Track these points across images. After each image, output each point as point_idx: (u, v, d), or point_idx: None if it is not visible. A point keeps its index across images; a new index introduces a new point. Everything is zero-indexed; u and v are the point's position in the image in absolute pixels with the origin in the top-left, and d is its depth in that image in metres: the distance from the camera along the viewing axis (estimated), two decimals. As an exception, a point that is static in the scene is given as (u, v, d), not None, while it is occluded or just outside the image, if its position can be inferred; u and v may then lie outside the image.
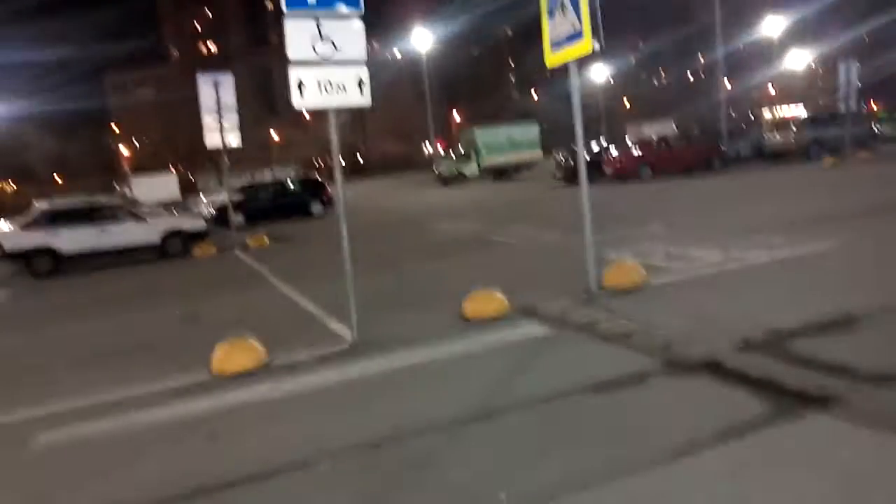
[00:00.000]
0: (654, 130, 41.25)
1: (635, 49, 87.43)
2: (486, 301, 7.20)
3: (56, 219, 15.39)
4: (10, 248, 14.98)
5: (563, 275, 8.39)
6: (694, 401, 4.45)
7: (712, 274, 8.00)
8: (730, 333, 5.44)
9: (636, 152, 26.44)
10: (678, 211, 14.95)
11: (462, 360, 5.89)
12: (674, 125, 44.89)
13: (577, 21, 6.83)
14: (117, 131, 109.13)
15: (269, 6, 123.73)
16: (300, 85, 6.26)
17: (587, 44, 6.75)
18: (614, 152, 26.97)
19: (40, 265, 14.96)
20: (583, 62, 7.45)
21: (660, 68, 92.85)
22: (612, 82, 79.65)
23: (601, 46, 6.74)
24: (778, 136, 27.74)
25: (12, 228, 15.61)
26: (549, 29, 7.33)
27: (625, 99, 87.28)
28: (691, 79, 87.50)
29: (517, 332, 6.49)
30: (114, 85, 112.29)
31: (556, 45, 7.26)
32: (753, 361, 4.85)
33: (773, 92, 69.90)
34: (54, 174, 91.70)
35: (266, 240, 17.36)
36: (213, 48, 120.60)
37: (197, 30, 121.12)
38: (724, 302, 6.66)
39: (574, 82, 7.32)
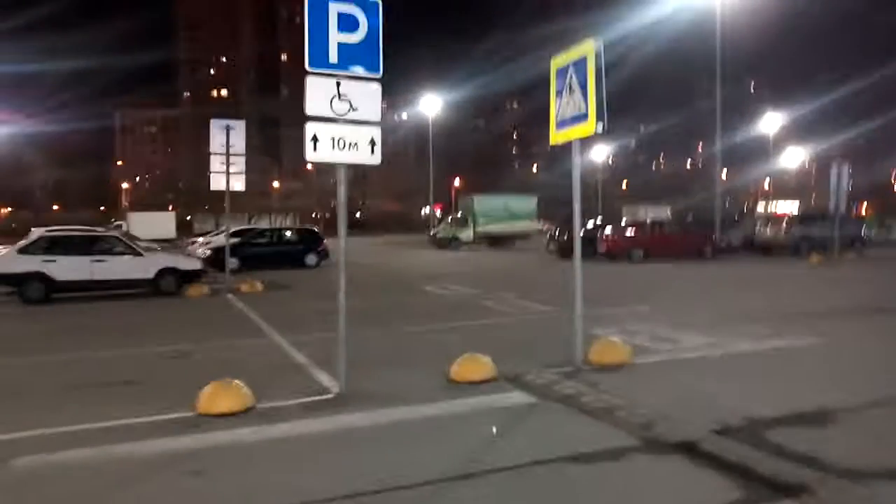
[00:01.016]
0: (648, 214, 42.01)
1: (636, 132, 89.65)
2: (474, 365, 7.31)
3: (52, 246, 15.49)
4: (4, 271, 15.02)
5: (550, 346, 8.53)
6: (669, 481, 4.56)
7: (695, 358, 8.17)
8: (708, 417, 5.57)
9: (630, 233, 26.87)
10: (666, 294, 15.19)
11: (446, 421, 5.97)
12: (668, 211, 45.69)
13: (583, 103, 7.17)
14: (120, 164, 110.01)
15: (284, 58, 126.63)
16: (314, 139, 6.52)
17: (591, 125, 7.07)
18: (608, 231, 27.39)
19: (32, 291, 14.98)
20: (585, 141, 7.77)
21: (659, 153, 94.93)
22: (611, 163, 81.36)
23: (604, 129, 7.07)
24: (769, 231, 28.35)
25: (6, 252, 15.67)
26: (556, 108, 7.68)
27: (622, 180, 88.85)
28: (689, 166, 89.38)
29: (502, 398, 6.59)
30: (122, 117, 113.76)
31: (562, 123, 7.59)
32: (730, 446, 4.96)
33: (767, 187, 71.37)
34: (52, 201, 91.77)
35: (259, 286, 17.45)
36: (224, 93, 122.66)
37: (210, 75, 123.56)
38: (705, 386, 6.80)
39: (576, 161, 7.62)
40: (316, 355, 8.43)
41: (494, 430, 4.95)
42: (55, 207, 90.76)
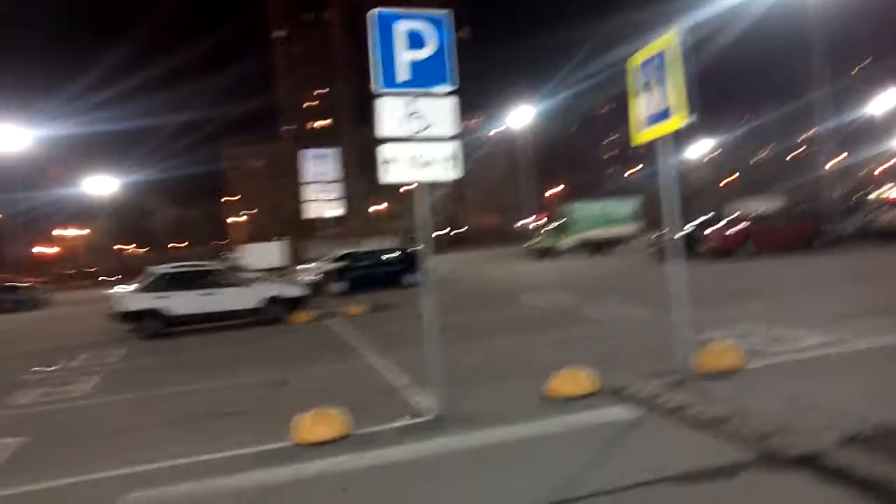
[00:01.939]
0: (756, 206, 39.92)
1: (740, 122, 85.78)
2: (573, 379, 7.01)
3: (167, 284, 16.31)
4: (122, 309, 15.95)
5: (655, 355, 8.09)
6: (790, 500, 4.13)
7: (815, 358, 7.52)
8: (833, 426, 5.05)
9: (736, 228, 25.55)
10: (779, 290, 14.25)
11: (544, 441, 5.72)
12: (777, 202, 43.30)
13: (666, 98, 6.76)
14: (231, 200, 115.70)
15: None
16: (389, 160, 6.45)
17: (677, 120, 6.65)
18: (713, 228, 26.16)
19: (150, 327, 15.81)
20: (683, 136, 7.33)
21: (765, 144, 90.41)
22: (713, 156, 78.17)
23: (692, 122, 6.64)
24: (886, 216, 26.25)
25: (127, 291, 16.62)
26: (637, 108, 7.30)
27: (727, 174, 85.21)
28: (796, 155, 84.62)
29: (602, 413, 6.27)
30: (230, 157, 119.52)
31: (645, 122, 7.20)
32: (859, 459, 4.46)
33: (881, 171, 66.48)
34: (174, 239, 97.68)
35: (362, 308, 17.69)
36: (323, 124, 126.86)
37: (308, 107, 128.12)
38: (827, 390, 6.21)
39: (664, 159, 7.22)
40: (414, 376, 8.34)
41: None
42: (175, 244, 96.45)
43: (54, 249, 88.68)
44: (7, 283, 37.61)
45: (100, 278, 66.41)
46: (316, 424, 6.21)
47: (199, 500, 5.09)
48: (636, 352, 9.00)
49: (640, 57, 7.15)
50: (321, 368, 10.29)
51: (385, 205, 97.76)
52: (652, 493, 4.43)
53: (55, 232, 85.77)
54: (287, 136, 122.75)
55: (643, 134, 7.21)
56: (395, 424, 6.45)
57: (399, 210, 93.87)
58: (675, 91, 6.58)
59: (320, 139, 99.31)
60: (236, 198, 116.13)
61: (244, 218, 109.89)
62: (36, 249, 77.86)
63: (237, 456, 5.97)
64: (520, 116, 56.66)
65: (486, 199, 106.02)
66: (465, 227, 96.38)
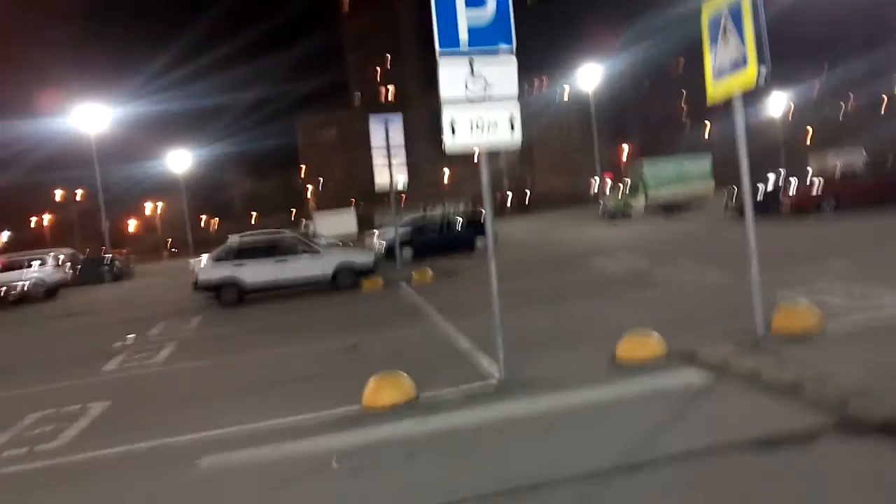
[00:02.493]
0: (839, 160, 37.94)
1: (821, 73, 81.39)
2: (642, 343, 6.87)
3: (241, 253, 16.78)
4: (202, 280, 16.52)
5: (729, 317, 7.83)
6: (874, 469, 3.93)
7: (900, 320, 7.12)
8: (920, 391, 4.78)
9: (818, 185, 24.39)
10: (864, 248, 13.55)
11: (612, 407, 5.63)
12: (862, 155, 41.04)
13: (741, 48, 6.42)
14: (304, 170, 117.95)
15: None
16: (452, 124, 6.37)
17: (752, 74, 6.31)
18: (794, 185, 25.05)
19: (227, 296, 16.35)
20: (757, 92, 6.95)
21: (848, 93, 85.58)
22: (793, 109, 74.58)
23: (768, 74, 6.29)
24: None
25: (206, 262, 17.21)
26: (712, 60, 6.96)
27: (808, 127, 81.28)
28: (882, 106, 79.75)
29: (673, 378, 6.12)
30: (302, 128, 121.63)
31: (720, 74, 6.85)
32: (947, 425, 4.22)
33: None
34: (249, 211, 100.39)
35: (430, 274, 17.79)
36: (392, 91, 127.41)
37: (378, 74, 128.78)
38: (914, 353, 5.87)
39: (739, 115, 6.88)
40: (481, 341, 8.32)
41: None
42: (252, 215, 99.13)
43: (135, 223, 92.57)
44: (93, 257, 39.56)
45: (176, 249, 68.95)
46: (383, 389, 6.29)
47: (271, 464, 5.23)
48: (710, 315, 8.73)
49: (714, 4, 6.80)
50: (390, 334, 10.42)
51: (447, 171, 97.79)
52: (727, 457, 4.29)
53: (136, 206, 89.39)
54: (358, 106, 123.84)
55: (717, 87, 6.88)
56: (462, 389, 6.47)
57: (466, 175, 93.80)
58: (749, 40, 6.24)
59: (390, 107, 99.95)
60: (309, 168, 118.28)
61: (317, 188, 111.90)
62: (118, 223, 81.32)
63: (307, 420, 6.11)
64: (588, 75, 55.30)
65: (556, 162, 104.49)
66: (535, 190, 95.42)
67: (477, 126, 6.41)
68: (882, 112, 76.11)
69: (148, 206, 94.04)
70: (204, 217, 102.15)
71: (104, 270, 36.77)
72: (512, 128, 6.49)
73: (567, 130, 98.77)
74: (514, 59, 6.49)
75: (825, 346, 6.37)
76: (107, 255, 41.49)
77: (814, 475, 3.95)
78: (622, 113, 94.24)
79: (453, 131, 6.37)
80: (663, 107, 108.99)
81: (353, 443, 5.41)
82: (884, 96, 78.10)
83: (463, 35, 6.28)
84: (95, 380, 9.49)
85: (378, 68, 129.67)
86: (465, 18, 6.27)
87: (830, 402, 4.90)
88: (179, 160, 69.35)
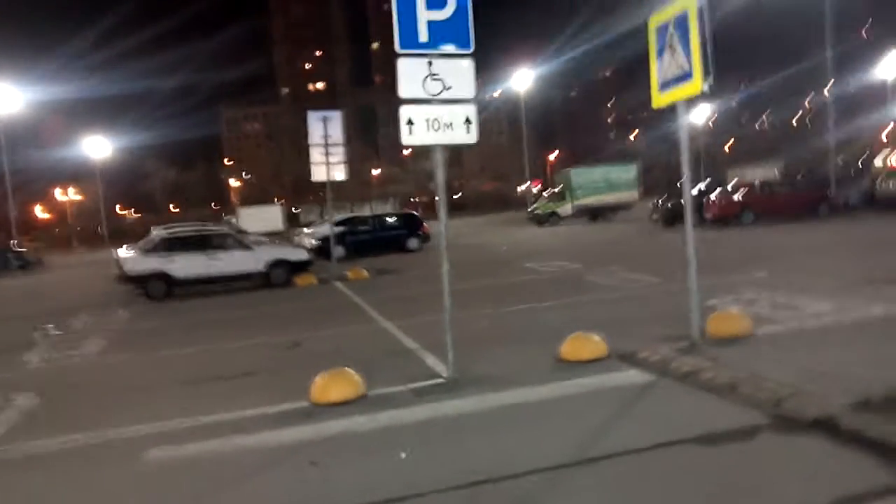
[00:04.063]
0: (757, 174, 39.85)
1: (738, 89, 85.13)
2: (584, 344, 7.09)
3: (170, 246, 16.31)
4: (130, 271, 15.96)
5: (662, 320, 8.18)
6: (808, 463, 4.22)
7: (823, 325, 7.60)
8: (846, 390, 5.11)
9: (738, 196, 25.58)
10: (783, 258, 14.33)
11: (558, 403, 5.82)
12: (778, 169, 43.21)
13: (686, 61, 6.72)
14: (228, 163, 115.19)
15: (375, 47, 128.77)
16: (409, 122, 6.43)
17: (697, 84, 6.62)
18: (715, 195, 26.18)
19: (155, 289, 15.84)
20: (686, 102, 7.30)
21: (764, 111, 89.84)
22: (713, 124, 77.69)
23: (711, 87, 6.62)
24: (891, 185, 26.23)
25: (132, 254, 16.64)
26: (658, 69, 7.25)
27: (726, 142, 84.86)
28: (797, 122, 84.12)
29: (615, 377, 6.36)
30: (227, 120, 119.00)
31: (665, 85, 7.15)
32: (874, 422, 4.55)
33: (886, 138, 66.18)
34: (170, 203, 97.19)
35: (365, 272, 17.75)
36: (321, 86, 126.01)
37: (306, 69, 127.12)
38: (837, 356, 6.27)
39: (682, 123, 7.21)
40: (425, 339, 8.42)
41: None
42: (173, 208, 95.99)
43: (46, 213, 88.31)
44: (5, 246, 37.54)
45: (92, 241, 66.33)
46: (332, 385, 6.28)
47: (223, 458, 5.16)
48: (643, 317, 9.09)
49: (660, 17, 7.08)
50: (332, 331, 10.36)
51: (379, 170, 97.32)
52: (672, 453, 4.52)
53: (48, 194, 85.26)
54: (285, 99, 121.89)
55: (663, 97, 7.17)
56: (410, 386, 6.53)
57: (397, 175, 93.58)
58: (695, 54, 6.55)
59: (318, 101, 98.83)
60: (233, 161, 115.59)
61: (242, 182, 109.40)
62: (28, 212, 77.41)
63: (255, 415, 6.05)
64: (519, 80, 56.13)
65: (484, 165, 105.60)
66: (462, 193, 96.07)
67: (433, 125, 6.50)
68: (795, 128, 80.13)
69: (59, 195, 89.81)
70: (120, 207, 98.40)
71: (10, 259, 34.86)
72: (468, 127, 6.61)
73: (496, 134, 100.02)
74: (471, 60, 6.61)
75: (756, 349, 6.74)
76: (12, 243, 39.37)
77: (754, 469, 4.20)
78: (551, 119, 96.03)
79: (410, 129, 6.44)
80: (591, 114, 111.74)
81: (307, 437, 5.40)
82: (800, 113, 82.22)
83: (423, 35, 6.36)
84: (17, 372, 9.07)
85: (307, 63, 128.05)
86: (425, 19, 6.34)
87: (765, 401, 5.21)
88: (96, 147, 66.50)
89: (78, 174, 77.21)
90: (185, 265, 15.96)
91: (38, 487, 4.96)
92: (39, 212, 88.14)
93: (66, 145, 69.04)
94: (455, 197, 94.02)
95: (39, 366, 9.45)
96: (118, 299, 16.24)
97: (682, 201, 7.52)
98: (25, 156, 62.91)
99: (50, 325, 12.86)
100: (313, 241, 24.90)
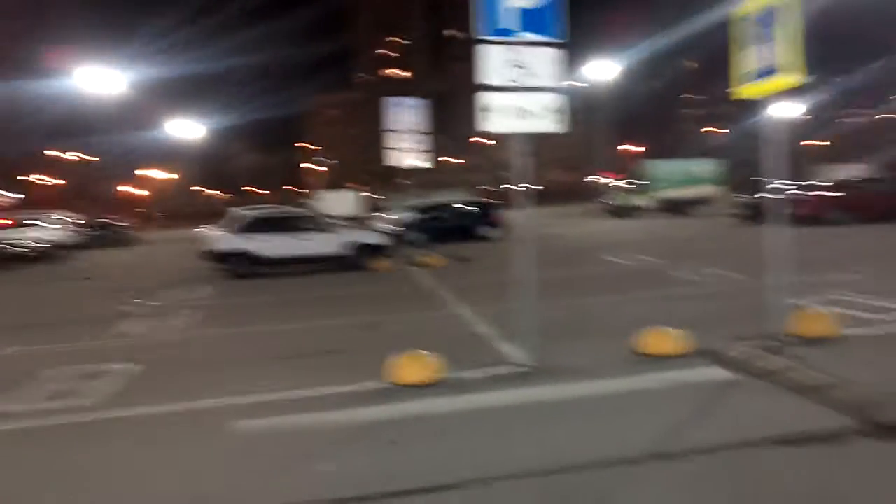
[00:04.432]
0: (849, 171, 38.09)
1: (831, 82, 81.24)
2: (664, 338, 7.01)
3: (256, 226, 16.89)
4: (216, 250, 16.62)
5: (745, 318, 7.97)
6: (898, 470, 4.10)
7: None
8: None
9: (829, 194, 24.54)
10: (875, 260, 13.69)
11: (636, 397, 5.78)
12: (871, 167, 41.17)
13: (776, 53, 6.51)
14: (309, 148, 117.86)
15: (455, 35, 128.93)
16: (489, 109, 6.44)
17: (787, 77, 6.42)
18: (804, 192, 25.18)
19: (240, 267, 16.44)
20: (775, 96, 7.07)
21: (859, 105, 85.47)
22: (802, 118, 74.53)
23: (803, 79, 6.41)
24: None
25: (218, 233, 17.29)
26: (742, 61, 7.04)
27: (816, 136, 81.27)
28: (893, 118, 79.69)
29: (696, 373, 6.28)
30: (309, 106, 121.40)
31: (752, 77, 6.96)
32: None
33: None
34: (253, 185, 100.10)
35: (440, 259, 17.91)
36: (399, 73, 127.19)
37: (385, 57, 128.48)
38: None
39: (770, 117, 7.01)
40: (501, 327, 8.48)
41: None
42: (254, 189, 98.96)
43: (140, 190, 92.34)
44: (102, 221, 39.61)
45: (179, 219, 69.02)
46: (411, 367, 6.42)
47: (306, 431, 5.37)
48: (725, 314, 8.90)
49: (748, 7, 6.88)
50: (409, 315, 10.54)
51: (454, 158, 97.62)
52: (754, 453, 4.44)
53: (141, 173, 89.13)
54: (363, 86, 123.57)
55: (748, 88, 6.97)
56: (487, 372, 6.61)
57: (473, 163, 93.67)
58: (788, 46, 6.34)
59: (395, 88, 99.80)
60: (312, 145, 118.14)
61: (322, 166, 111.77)
62: (123, 189, 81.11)
63: (337, 393, 6.25)
64: (599, 70, 55.17)
65: (559, 156, 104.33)
66: (537, 183, 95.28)
67: (516, 112, 6.50)
68: (890, 125, 76.06)
69: (150, 174, 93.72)
70: (206, 187, 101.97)
71: (109, 235, 36.83)
72: (552, 116, 6.59)
73: (572, 124, 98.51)
74: (557, 48, 6.56)
75: (843, 351, 6.53)
76: (111, 220, 41.52)
77: (843, 475, 4.10)
78: (630, 110, 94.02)
79: (490, 116, 6.45)
80: (672, 106, 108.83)
81: (386, 417, 5.55)
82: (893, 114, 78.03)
83: (507, 22, 6.35)
84: (122, 342, 9.59)
85: (388, 51, 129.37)
86: (511, 5, 6.33)
87: (855, 405, 5.05)
88: (185, 128, 69.06)
89: (169, 154, 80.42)
90: (268, 245, 16.49)
91: (130, 451, 5.25)
92: (132, 190, 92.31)
93: (155, 126, 71.89)
94: (528, 187, 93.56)
95: (136, 336, 9.97)
96: (204, 276, 16.92)
97: (769, 197, 7.33)
98: (121, 136, 66.01)
99: (144, 299, 13.52)
100: (391, 227, 25.26)
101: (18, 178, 72.35)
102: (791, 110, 58.71)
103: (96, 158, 71.87)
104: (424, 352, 6.62)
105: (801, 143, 73.51)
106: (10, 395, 6.78)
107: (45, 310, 13.70)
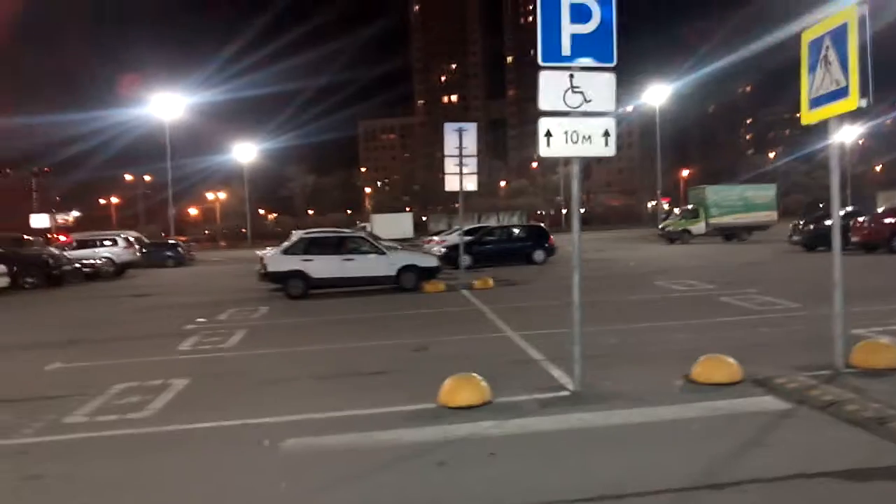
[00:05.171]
0: (908, 199, 36.80)
1: (893, 106, 78.66)
2: (717, 366, 6.88)
3: (310, 248, 17.23)
4: (271, 270, 17.00)
5: (801, 347, 7.80)
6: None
7: None
8: None
9: (889, 220, 23.73)
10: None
11: (688, 425, 5.67)
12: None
13: (843, 76, 6.42)
14: (363, 170, 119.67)
15: (509, 61, 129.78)
16: (548, 134, 6.51)
17: (853, 100, 6.31)
18: (863, 218, 24.42)
19: (294, 288, 16.75)
20: (839, 120, 6.94)
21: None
22: (863, 143, 72.36)
23: (868, 103, 6.29)
24: None
25: (274, 254, 17.68)
26: (809, 85, 6.96)
27: (875, 163, 78.74)
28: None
29: (750, 402, 6.13)
30: (364, 128, 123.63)
31: (817, 101, 6.85)
32: None
33: None
34: (308, 207, 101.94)
35: (491, 282, 17.94)
36: (455, 99, 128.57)
37: (441, 82, 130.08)
38: None
39: (834, 141, 6.89)
40: (549, 351, 8.46)
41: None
42: (310, 211, 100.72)
43: (202, 211, 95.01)
44: (158, 241, 40.91)
45: (236, 240, 70.68)
46: (460, 389, 6.43)
47: (354, 451, 5.41)
48: (780, 343, 8.70)
49: (815, 31, 6.80)
50: (458, 337, 10.58)
51: (507, 182, 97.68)
52: (811, 486, 4.32)
53: (199, 195, 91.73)
54: (419, 110, 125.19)
55: (814, 113, 6.87)
56: (536, 396, 6.59)
57: (525, 187, 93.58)
58: (853, 69, 6.24)
59: (451, 113, 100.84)
60: (368, 169, 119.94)
61: (375, 189, 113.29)
62: (181, 210, 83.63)
63: (386, 413, 6.29)
64: (654, 95, 54.78)
65: (613, 180, 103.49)
66: (590, 208, 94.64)
67: (572, 137, 6.54)
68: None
69: (209, 196, 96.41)
70: (262, 210, 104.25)
71: (168, 255, 37.95)
72: (606, 140, 6.60)
73: (626, 148, 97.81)
74: (612, 74, 6.60)
75: (908, 384, 6.30)
76: (171, 240, 42.84)
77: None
78: (685, 135, 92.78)
79: (549, 141, 6.51)
80: (727, 130, 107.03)
81: (436, 438, 5.57)
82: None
83: (566, 49, 6.41)
84: (174, 358, 9.88)
85: (442, 76, 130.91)
86: (569, 32, 6.40)
87: (920, 439, 4.87)
88: (244, 152, 71.14)
89: (227, 177, 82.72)
90: (322, 266, 16.79)
91: (179, 466, 5.35)
92: (195, 211, 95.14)
93: (217, 149, 74.15)
94: (583, 211, 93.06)
95: (191, 353, 10.25)
96: (259, 296, 17.30)
97: (827, 223, 7.17)
98: (182, 159, 68.25)
99: (201, 318, 13.88)
100: (442, 249, 25.40)
101: (99, 199, 75.34)
102: (853, 134, 57.36)
103: (163, 180, 74.56)
104: (474, 374, 6.65)
105: (863, 167, 71.41)
106: (71, 406, 7.03)
107: (109, 326, 14.17)
